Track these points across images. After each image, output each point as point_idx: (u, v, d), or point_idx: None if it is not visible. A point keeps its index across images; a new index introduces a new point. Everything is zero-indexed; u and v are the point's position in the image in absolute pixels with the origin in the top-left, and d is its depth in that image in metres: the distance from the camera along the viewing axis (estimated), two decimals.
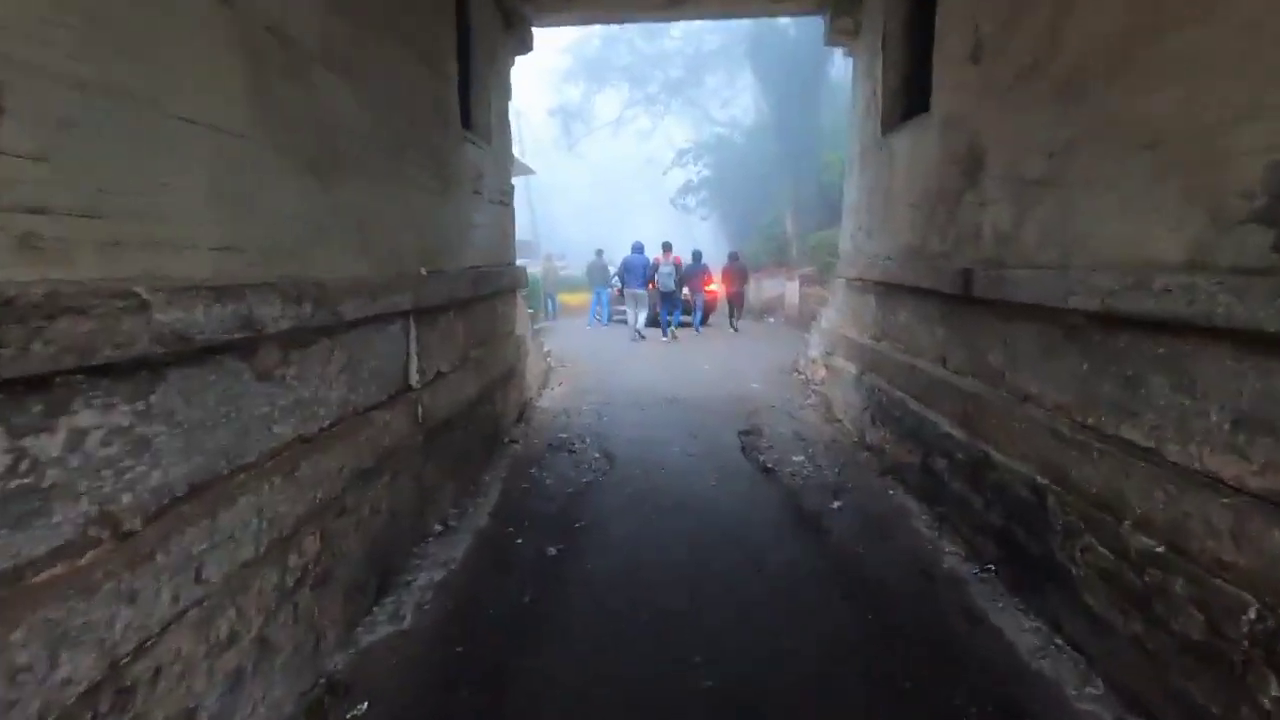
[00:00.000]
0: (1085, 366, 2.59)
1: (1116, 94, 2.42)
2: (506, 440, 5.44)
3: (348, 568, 2.68)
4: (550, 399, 7.30)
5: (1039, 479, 2.76)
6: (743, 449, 5.39)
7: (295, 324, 2.24)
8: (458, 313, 4.30)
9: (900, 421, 4.37)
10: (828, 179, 17.29)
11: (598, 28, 25.97)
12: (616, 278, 14.23)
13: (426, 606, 3.00)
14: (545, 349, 9.31)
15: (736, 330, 13.91)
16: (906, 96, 4.77)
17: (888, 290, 4.79)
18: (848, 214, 5.89)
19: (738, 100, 29.73)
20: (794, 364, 8.92)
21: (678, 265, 12.53)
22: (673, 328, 12.52)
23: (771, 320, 16.30)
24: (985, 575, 3.15)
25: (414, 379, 3.53)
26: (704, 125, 27.41)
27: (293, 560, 2.25)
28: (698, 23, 25.98)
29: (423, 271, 3.59)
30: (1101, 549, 2.39)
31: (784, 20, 18.91)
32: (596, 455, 5.25)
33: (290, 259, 2.34)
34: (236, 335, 1.93)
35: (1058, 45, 2.75)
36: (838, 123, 18.41)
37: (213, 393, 1.91)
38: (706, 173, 23.23)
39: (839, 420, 5.97)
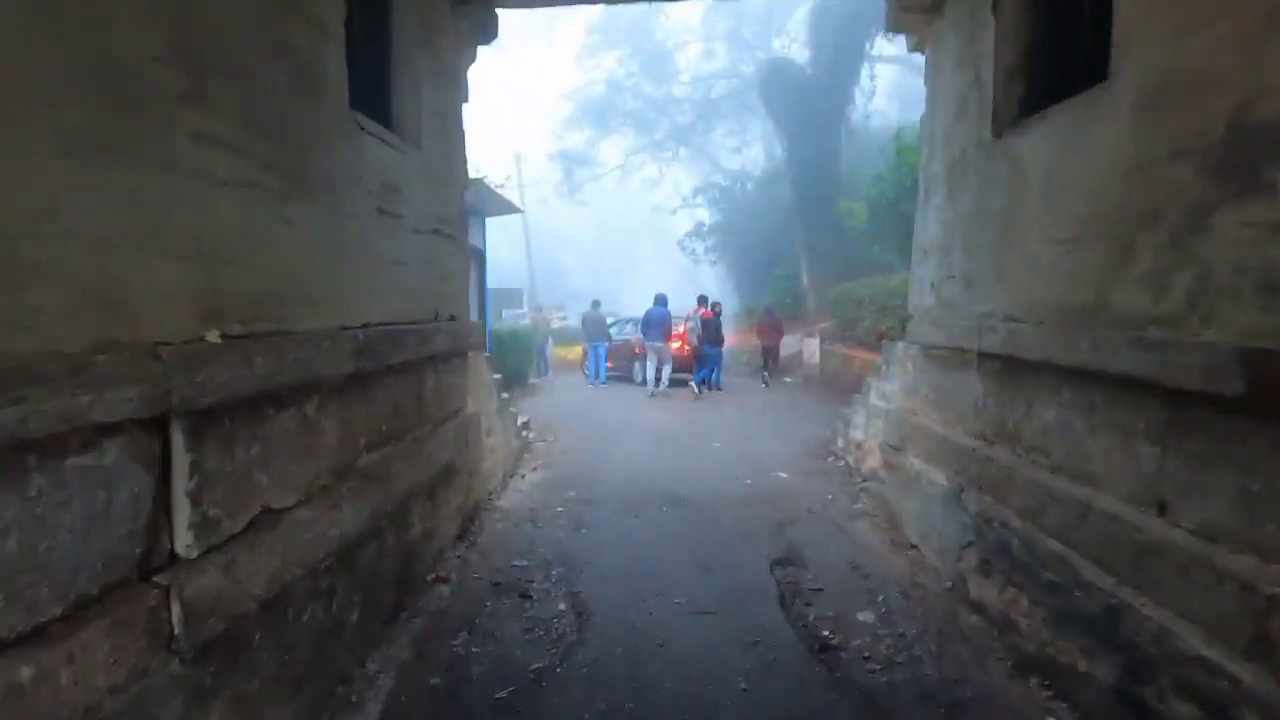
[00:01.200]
0: None
1: None
2: (431, 578, 3.69)
3: None
4: (517, 494, 5.56)
5: None
6: (780, 597, 3.62)
7: None
8: (331, 399, 2.63)
9: (1058, 592, 2.62)
10: (848, 226, 15.88)
11: (601, 73, 25.27)
12: (638, 330, 13.32)
13: None
14: (521, 420, 7.64)
15: (767, 386, 13.14)
16: (1035, 76, 3.18)
17: (1012, 369, 3.10)
18: (924, 256, 4.24)
19: (748, 150, 28.82)
20: (828, 443, 7.19)
21: (706, 320, 11.86)
22: (702, 384, 11.88)
23: (789, 380, 14.58)
24: None
25: (182, 543, 1.83)
26: (713, 176, 26.34)
27: None
28: (707, 67, 25.26)
29: (209, 337, 1.92)
30: None
31: (800, 59, 17.90)
32: (561, 607, 3.48)
33: None
34: None
35: None
36: (857, 168, 17.12)
37: None
38: (717, 217, 21.91)
39: (913, 546, 4.20)
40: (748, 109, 25.92)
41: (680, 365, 12.18)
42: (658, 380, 11.81)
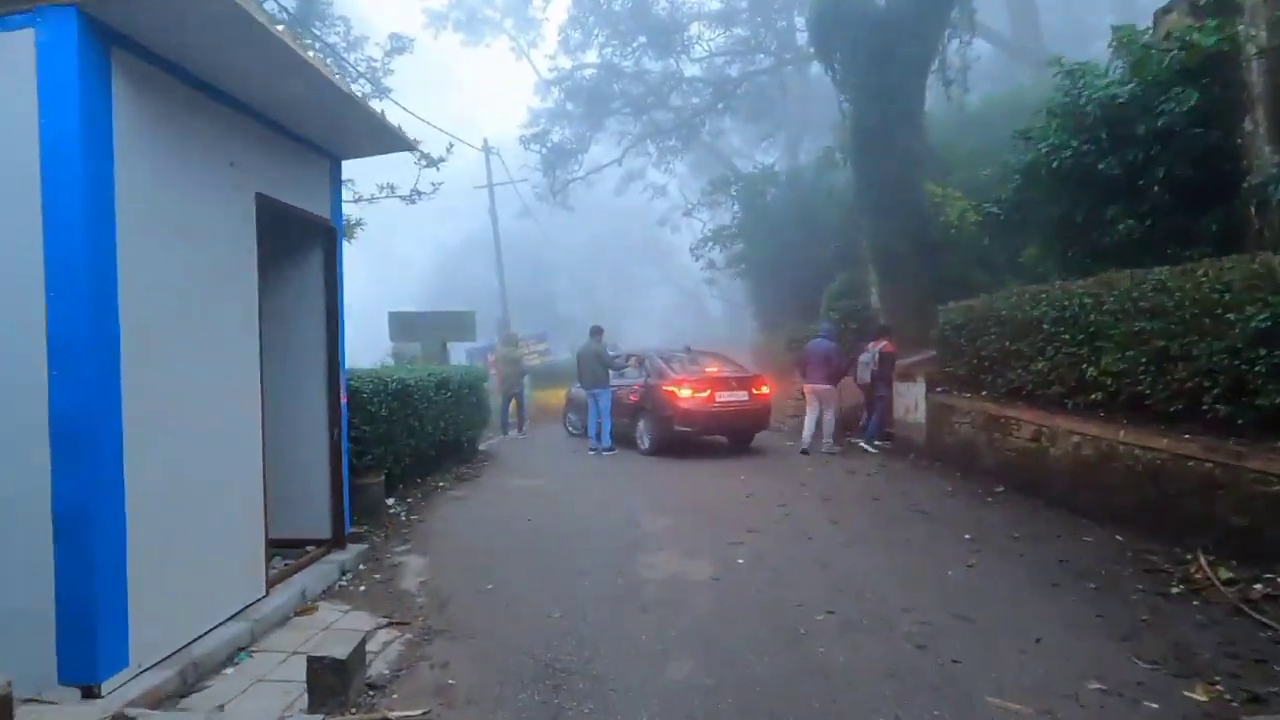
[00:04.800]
0: None
1: None
2: None
3: None
4: None
5: None
6: None
7: None
8: None
9: None
10: (942, 222, 11.14)
11: (591, 52, 20.80)
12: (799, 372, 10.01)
13: None
14: (342, 651, 2.72)
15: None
16: None
17: None
18: None
19: (767, 153, 24.29)
20: None
21: (885, 354, 9.20)
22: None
23: (876, 447, 9.58)
24: None
25: None
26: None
27: None
28: (720, 41, 20.77)
29: None
30: None
31: None
32: None
33: None
34: None
35: None
36: (951, 143, 12.31)
37: None
38: (740, 217, 17.07)
39: None
40: (768, 98, 21.48)
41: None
42: (818, 439, 9.16)
